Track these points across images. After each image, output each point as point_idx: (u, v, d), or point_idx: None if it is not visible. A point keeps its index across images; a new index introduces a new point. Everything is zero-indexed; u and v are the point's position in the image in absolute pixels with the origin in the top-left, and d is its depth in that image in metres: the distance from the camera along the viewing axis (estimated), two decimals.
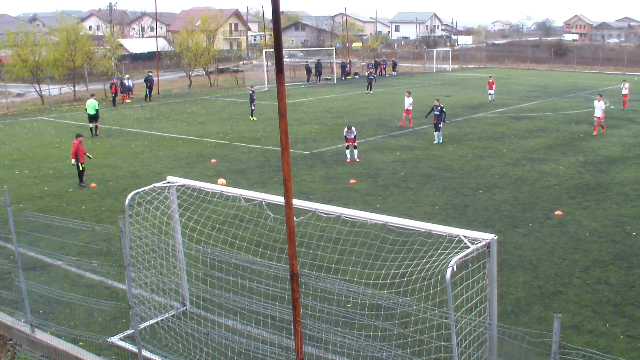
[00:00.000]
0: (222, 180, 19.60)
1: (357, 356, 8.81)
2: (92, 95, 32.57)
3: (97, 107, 30.58)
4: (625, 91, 37.88)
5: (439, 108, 27.22)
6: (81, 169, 20.43)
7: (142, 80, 47.57)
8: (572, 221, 16.32)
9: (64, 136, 30.14)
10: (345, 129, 23.90)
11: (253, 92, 35.63)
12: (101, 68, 49.94)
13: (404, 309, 8.17)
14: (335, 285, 8.34)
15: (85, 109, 31.08)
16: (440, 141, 27.33)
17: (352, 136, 23.71)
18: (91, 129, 30.30)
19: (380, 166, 22.94)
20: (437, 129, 27.31)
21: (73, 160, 20.33)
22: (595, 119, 29.62)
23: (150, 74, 46.60)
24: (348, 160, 23.83)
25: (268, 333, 9.87)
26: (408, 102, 31.64)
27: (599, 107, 29.26)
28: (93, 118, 30.39)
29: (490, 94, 42.56)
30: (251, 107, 35.14)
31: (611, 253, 14.04)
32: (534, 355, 7.16)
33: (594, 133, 29.31)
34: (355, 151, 23.98)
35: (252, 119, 34.99)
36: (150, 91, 45.90)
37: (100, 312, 10.94)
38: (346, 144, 24.09)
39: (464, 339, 7.54)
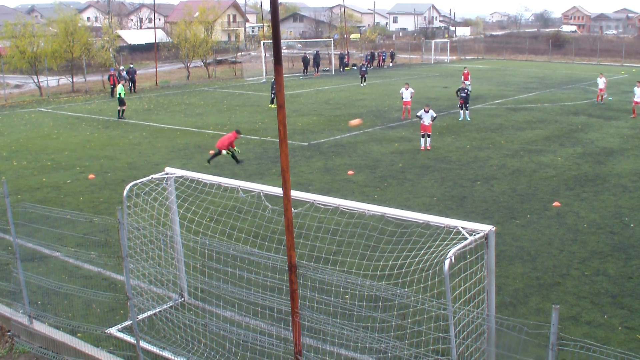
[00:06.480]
0: (356, 121, 19.26)
1: (356, 347, 8.82)
2: (122, 80, 36.41)
3: (119, 92, 32.71)
4: (601, 85, 36.72)
5: (466, 91, 30.72)
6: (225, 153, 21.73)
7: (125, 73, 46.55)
8: (570, 212, 16.33)
9: (62, 127, 30.09)
10: (422, 110, 23.96)
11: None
12: (99, 59, 49.81)
13: (402, 300, 8.17)
14: (333, 277, 8.34)
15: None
16: (468, 119, 30.63)
17: (428, 122, 23.65)
18: (118, 111, 32.75)
19: (378, 157, 22.91)
20: (464, 107, 30.83)
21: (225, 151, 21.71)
22: (634, 103, 31.93)
23: (132, 65, 46.53)
24: (422, 148, 23.89)
25: (266, 324, 9.87)
26: (407, 93, 31.36)
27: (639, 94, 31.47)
28: (119, 102, 32.64)
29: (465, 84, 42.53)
30: (272, 95, 35.95)
31: (609, 244, 14.06)
32: (532, 347, 7.16)
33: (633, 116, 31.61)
34: (428, 139, 24.00)
35: (270, 106, 35.79)
36: (134, 83, 45.55)
37: (99, 304, 10.94)
38: (422, 132, 24.08)
39: (462, 330, 7.55)
